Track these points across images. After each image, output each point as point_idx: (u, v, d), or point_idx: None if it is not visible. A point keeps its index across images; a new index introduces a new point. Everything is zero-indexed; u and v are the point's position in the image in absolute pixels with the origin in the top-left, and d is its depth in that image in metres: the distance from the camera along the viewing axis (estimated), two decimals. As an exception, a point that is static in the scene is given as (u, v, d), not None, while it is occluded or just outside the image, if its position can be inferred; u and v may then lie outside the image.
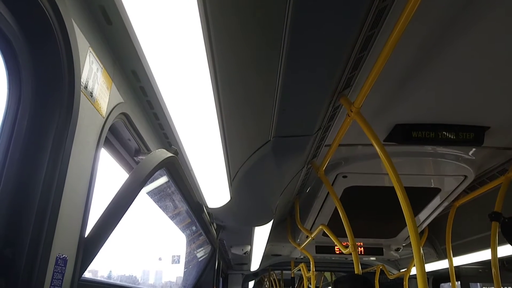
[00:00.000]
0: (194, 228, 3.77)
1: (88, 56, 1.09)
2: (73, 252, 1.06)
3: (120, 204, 1.23)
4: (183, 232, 3.92)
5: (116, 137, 1.58)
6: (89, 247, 1.12)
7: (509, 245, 3.21)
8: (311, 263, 5.81)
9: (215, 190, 2.57)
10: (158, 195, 2.62)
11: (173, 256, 4.07)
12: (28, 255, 0.87)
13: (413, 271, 5.76)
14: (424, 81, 2.16)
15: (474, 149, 3.04)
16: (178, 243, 4.03)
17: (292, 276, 8.33)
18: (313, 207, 4.19)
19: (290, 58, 1.67)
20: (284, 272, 10.58)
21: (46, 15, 0.90)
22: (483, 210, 3.50)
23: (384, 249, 5.53)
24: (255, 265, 6.97)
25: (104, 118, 1.22)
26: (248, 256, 5.67)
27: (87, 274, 2.06)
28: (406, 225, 2.12)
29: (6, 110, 0.91)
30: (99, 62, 1.16)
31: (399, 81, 2.16)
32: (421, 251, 2.10)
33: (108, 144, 1.59)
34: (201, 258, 4.43)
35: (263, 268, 7.97)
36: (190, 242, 4.10)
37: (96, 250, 1.16)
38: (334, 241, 4.01)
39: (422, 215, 4.30)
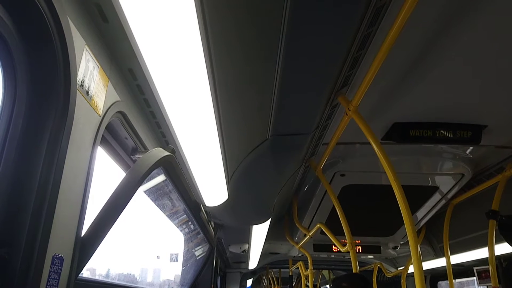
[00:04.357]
0: (192, 226, 3.77)
1: (84, 54, 1.08)
2: (70, 252, 1.05)
3: (117, 203, 1.22)
4: (181, 231, 3.92)
5: (113, 136, 1.57)
6: (85, 246, 1.11)
7: (506, 243, 3.22)
8: (309, 261, 5.81)
9: (213, 189, 2.57)
10: (155, 194, 2.62)
11: (171, 255, 4.07)
12: (24, 255, 0.87)
13: (411, 269, 5.77)
14: (422, 80, 2.16)
15: (471, 148, 3.05)
16: (176, 241, 4.04)
17: (290, 274, 8.34)
18: (311, 206, 4.19)
19: (288, 56, 1.66)
20: (282, 270, 10.60)
21: (41, 13, 0.89)
22: (480, 208, 3.51)
23: (381, 247, 5.53)
24: (253, 264, 6.97)
25: (100, 116, 1.21)
26: (246, 255, 5.67)
27: (85, 273, 2.06)
28: (404, 223, 2.13)
29: (1, 109, 0.90)
30: (95, 60, 1.15)
31: (397, 79, 2.16)
32: (419, 249, 2.10)
33: (105, 142, 1.58)
34: (199, 257, 4.43)
35: (261, 267, 7.98)
36: (188, 240, 4.10)
37: (93, 249, 1.15)
38: (332, 240, 4.02)
39: (420, 214, 4.31)
